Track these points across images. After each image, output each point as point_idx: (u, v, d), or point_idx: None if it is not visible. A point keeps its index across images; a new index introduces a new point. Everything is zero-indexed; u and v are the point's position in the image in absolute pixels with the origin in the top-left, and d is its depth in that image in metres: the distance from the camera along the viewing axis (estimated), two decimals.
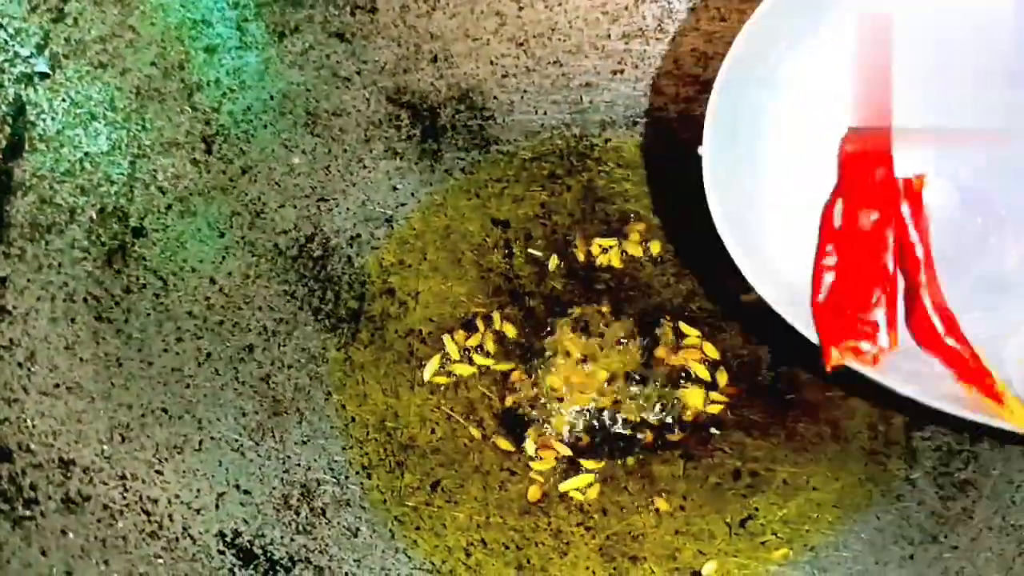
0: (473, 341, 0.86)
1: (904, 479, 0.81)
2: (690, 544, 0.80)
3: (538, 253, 0.91)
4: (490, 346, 0.86)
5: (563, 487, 0.81)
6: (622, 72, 0.97)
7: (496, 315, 0.87)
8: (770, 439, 0.83)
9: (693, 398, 0.84)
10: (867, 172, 0.77)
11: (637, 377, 0.84)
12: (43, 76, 0.79)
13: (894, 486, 0.81)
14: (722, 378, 0.85)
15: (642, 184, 0.94)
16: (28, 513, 0.67)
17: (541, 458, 0.82)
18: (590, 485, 0.81)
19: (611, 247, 0.91)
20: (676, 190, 0.93)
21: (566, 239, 0.92)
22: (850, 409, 0.84)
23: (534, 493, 0.81)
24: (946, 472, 0.80)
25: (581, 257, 0.90)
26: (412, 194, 0.93)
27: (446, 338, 0.86)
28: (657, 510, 0.81)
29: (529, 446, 0.82)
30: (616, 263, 0.90)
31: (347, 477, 0.81)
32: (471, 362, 0.85)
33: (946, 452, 0.81)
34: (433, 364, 0.85)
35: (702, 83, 0.97)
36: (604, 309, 0.87)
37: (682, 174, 0.92)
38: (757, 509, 0.80)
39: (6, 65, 0.77)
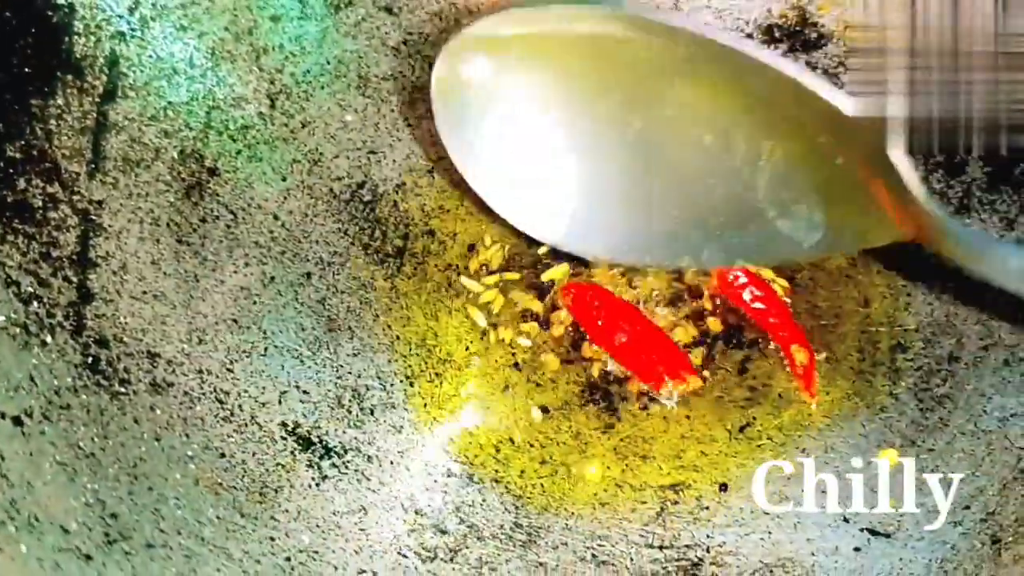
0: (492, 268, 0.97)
1: (888, 394, 0.91)
2: (694, 446, 0.90)
3: None
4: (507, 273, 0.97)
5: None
6: None
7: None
8: (767, 359, 0.93)
9: (700, 322, 0.94)
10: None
11: (655, 300, 0.94)
12: (133, 34, 0.91)
13: (878, 400, 0.91)
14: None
15: None
16: (123, 390, 0.79)
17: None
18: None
19: None
20: None
21: None
22: (840, 335, 0.94)
23: (556, 401, 0.92)
24: (926, 388, 0.90)
25: None
26: None
27: (470, 266, 0.97)
28: (665, 417, 0.91)
29: (551, 361, 0.93)
30: None
31: (392, 384, 0.92)
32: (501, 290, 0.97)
33: (927, 371, 0.91)
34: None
35: None
36: None
37: None
38: (755, 418, 0.91)
39: (104, 23, 0.90)
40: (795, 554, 0.82)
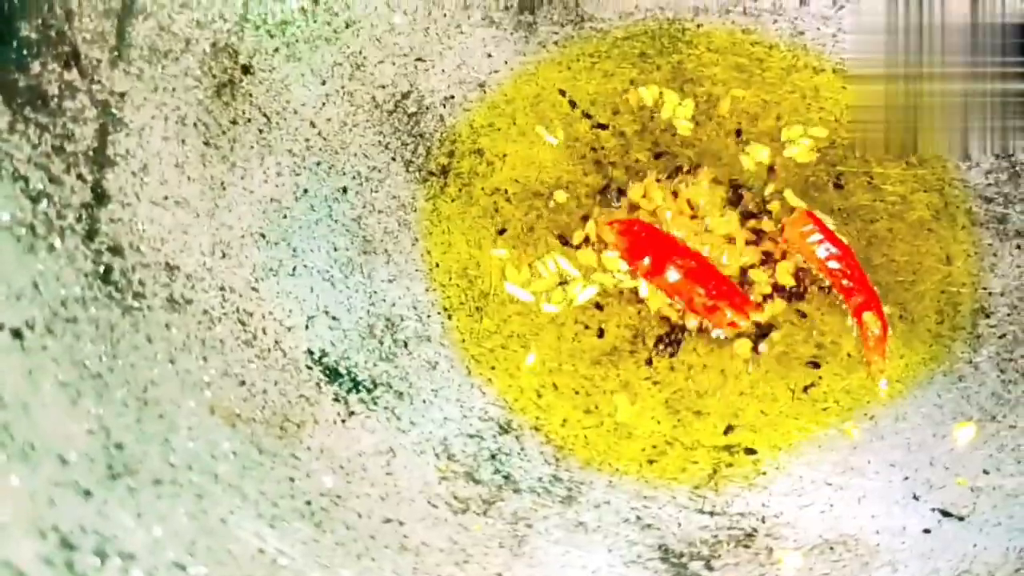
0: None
1: (967, 362, 0.83)
2: (753, 405, 0.82)
3: (623, 126, 0.93)
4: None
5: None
6: None
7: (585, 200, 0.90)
8: (837, 316, 0.85)
9: (771, 272, 0.86)
10: None
11: (712, 244, 0.86)
12: None
13: (956, 368, 0.83)
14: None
15: (731, 70, 0.96)
16: (136, 304, 0.71)
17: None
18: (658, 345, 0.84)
19: (700, 122, 0.93)
20: (765, 76, 0.95)
21: (652, 116, 0.94)
22: (919, 294, 0.86)
23: (605, 346, 0.84)
24: (1009, 358, 0.82)
25: (666, 132, 0.92)
26: (505, 62, 0.96)
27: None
28: (722, 371, 0.83)
29: (602, 301, 0.85)
30: (699, 137, 0.92)
31: (429, 316, 0.84)
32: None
33: (1011, 340, 0.83)
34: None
35: None
36: (691, 178, 0.90)
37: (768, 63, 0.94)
38: (820, 378, 0.83)
39: None
40: (859, 531, 0.75)
